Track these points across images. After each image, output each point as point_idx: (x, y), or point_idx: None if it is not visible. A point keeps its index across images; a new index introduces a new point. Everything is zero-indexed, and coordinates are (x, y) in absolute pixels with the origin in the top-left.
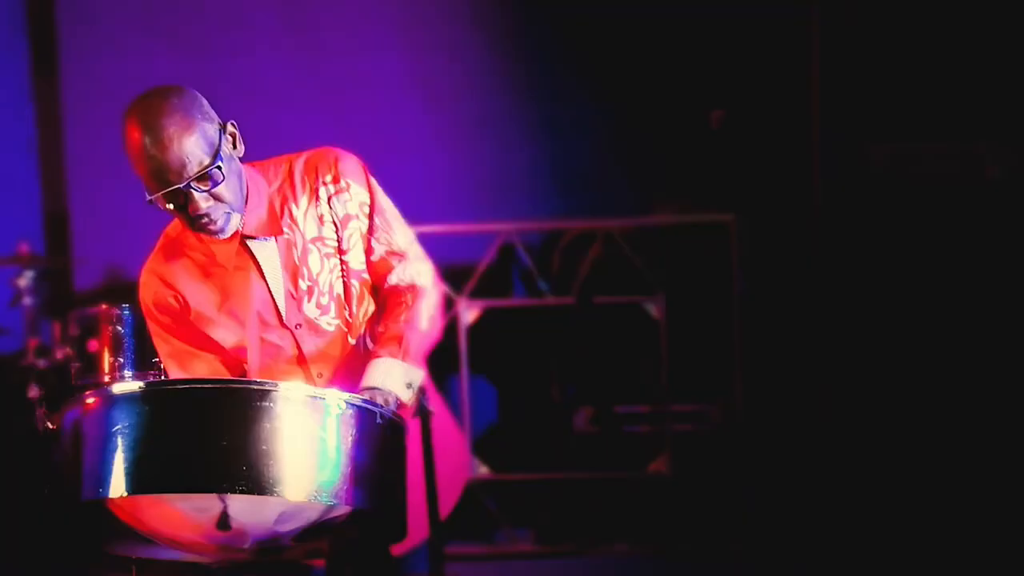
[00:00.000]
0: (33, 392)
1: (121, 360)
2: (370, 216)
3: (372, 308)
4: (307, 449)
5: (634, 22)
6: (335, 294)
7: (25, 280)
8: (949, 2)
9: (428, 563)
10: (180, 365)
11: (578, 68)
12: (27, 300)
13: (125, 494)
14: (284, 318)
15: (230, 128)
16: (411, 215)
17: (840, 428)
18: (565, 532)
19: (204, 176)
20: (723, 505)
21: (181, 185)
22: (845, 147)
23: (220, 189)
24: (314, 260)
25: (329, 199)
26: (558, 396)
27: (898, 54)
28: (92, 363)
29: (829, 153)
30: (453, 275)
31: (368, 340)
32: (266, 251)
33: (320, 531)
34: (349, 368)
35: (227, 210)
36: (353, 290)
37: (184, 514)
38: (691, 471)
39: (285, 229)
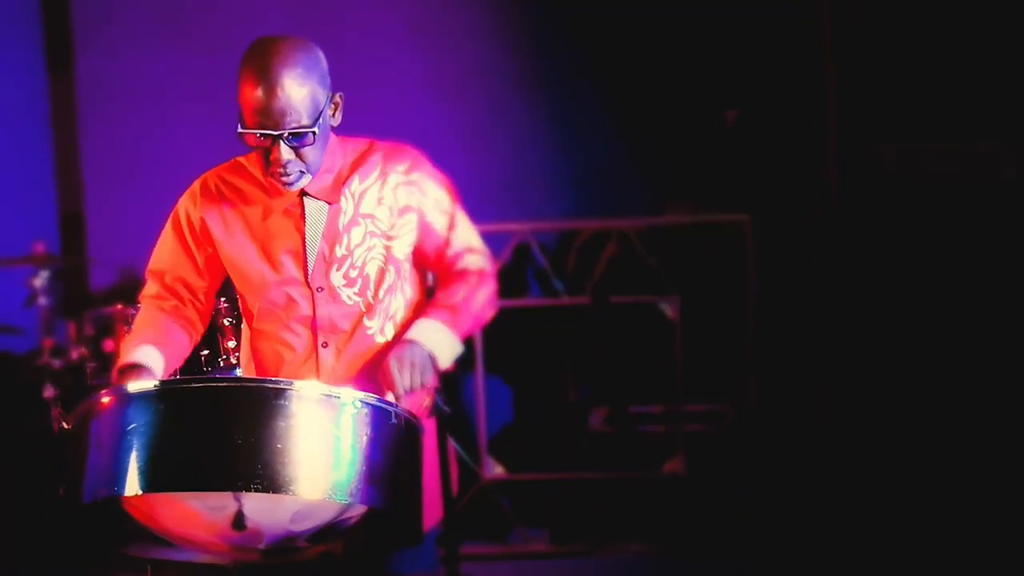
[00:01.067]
0: (48, 392)
1: None
2: (452, 215)
3: (401, 304)
4: (322, 448)
5: (648, 22)
6: (365, 272)
7: (40, 280)
8: (960, 3)
9: (443, 563)
10: (160, 284)
11: (593, 69)
12: (42, 300)
13: (140, 492)
14: (309, 276)
15: (336, 98)
16: None
17: (853, 428)
18: (579, 532)
19: (298, 134)
20: (737, 505)
21: (275, 132)
22: (857, 147)
23: (307, 150)
24: (357, 233)
25: (396, 186)
26: (573, 396)
27: (910, 55)
28: (107, 363)
29: (842, 153)
30: None
31: (384, 331)
32: (317, 211)
33: (335, 532)
34: (355, 348)
35: (303, 169)
36: (387, 276)
37: (199, 513)
38: (705, 471)
39: (341, 199)
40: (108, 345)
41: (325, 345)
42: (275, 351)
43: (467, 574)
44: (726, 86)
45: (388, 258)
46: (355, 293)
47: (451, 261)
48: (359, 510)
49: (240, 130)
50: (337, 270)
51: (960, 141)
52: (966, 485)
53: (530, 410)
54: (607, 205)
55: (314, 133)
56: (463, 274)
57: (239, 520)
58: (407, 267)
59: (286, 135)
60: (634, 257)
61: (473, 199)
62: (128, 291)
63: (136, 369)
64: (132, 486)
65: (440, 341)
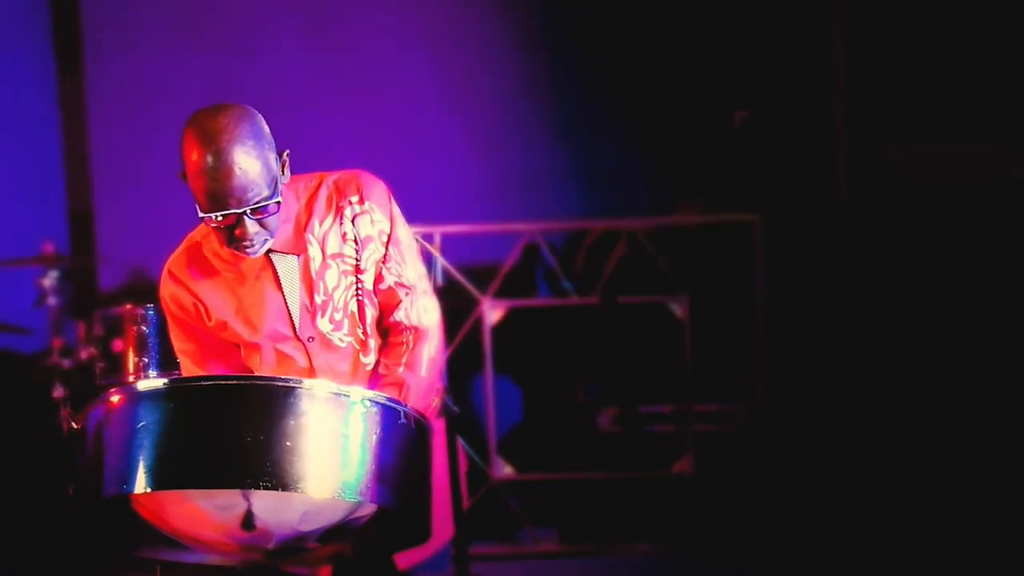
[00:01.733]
0: (58, 392)
1: (146, 359)
2: (386, 245)
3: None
4: (331, 446)
5: (657, 24)
6: (349, 311)
7: (50, 280)
8: (968, 4)
9: (453, 562)
10: (194, 362)
11: (602, 70)
12: (52, 300)
13: (149, 490)
14: (298, 330)
15: (284, 157)
16: (435, 215)
17: (861, 428)
18: (589, 532)
19: (261, 207)
20: (745, 505)
21: (238, 211)
22: (866, 148)
23: (270, 219)
24: (331, 276)
25: (354, 218)
26: (582, 396)
27: (918, 55)
28: (117, 363)
29: (850, 154)
30: (477, 275)
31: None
32: (287, 264)
33: (344, 532)
34: (359, 384)
35: (268, 236)
36: (368, 309)
37: (208, 512)
38: (714, 471)
39: (307, 246)
40: (117, 345)
41: None
42: None
43: (476, 574)
44: (735, 87)
45: (364, 292)
46: (345, 335)
47: (387, 303)
48: (368, 509)
49: (201, 215)
50: (322, 316)
51: (968, 141)
52: (974, 485)
53: (539, 410)
54: (616, 205)
55: (277, 203)
56: (397, 330)
57: (248, 520)
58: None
59: (249, 211)
60: (643, 257)
61: (482, 199)
62: (137, 291)
63: None
64: (141, 484)
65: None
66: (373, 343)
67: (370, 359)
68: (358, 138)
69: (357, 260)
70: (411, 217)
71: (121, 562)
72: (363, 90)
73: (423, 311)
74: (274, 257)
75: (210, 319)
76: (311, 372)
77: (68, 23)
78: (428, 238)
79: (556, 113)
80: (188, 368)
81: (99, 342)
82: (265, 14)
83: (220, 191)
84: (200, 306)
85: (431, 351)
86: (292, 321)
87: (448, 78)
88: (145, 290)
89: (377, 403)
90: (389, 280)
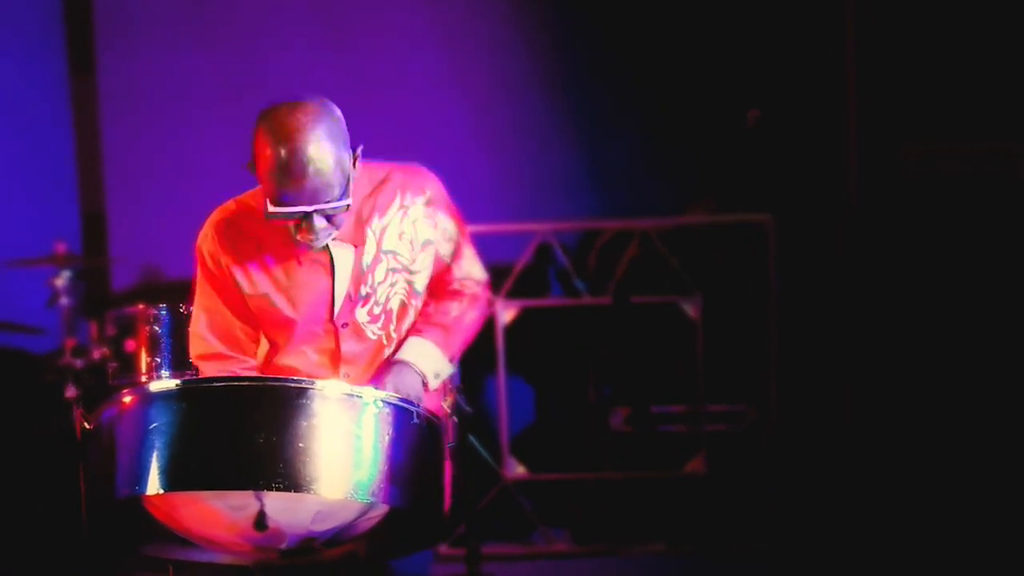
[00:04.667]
0: (70, 392)
1: (158, 360)
2: (457, 244)
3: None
4: (343, 447)
5: (670, 23)
6: (389, 308)
7: (62, 280)
8: (982, 2)
9: (465, 562)
10: (209, 322)
11: (615, 68)
12: (64, 300)
13: (161, 491)
14: (335, 315)
15: (357, 153)
16: None
17: (874, 428)
18: (601, 532)
19: (332, 208)
20: (758, 505)
21: (308, 210)
22: (879, 147)
23: (339, 217)
24: (380, 270)
25: (416, 220)
26: (594, 396)
27: (932, 55)
28: (129, 363)
29: (864, 153)
30: (490, 275)
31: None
32: (343, 254)
33: (356, 532)
34: (377, 375)
35: (333, 231)
36: (410, 310)
37: (220, 513)
38: (726, 471)
39: (365, 239)
40: (130, 345)
41: (348, 376)
42: None
43: (489, 574)
44: (747, 86)
45: (410, 293)
46: (378, 328)
47: (448, 283)
48: (381, 510)
49: (271, 209)
50: (362, 307)
51: (981, 140)
52: (989, 485)
53: (552, 410)
54: (629, 205)
55: (347, 206)
56: (457, 294)
57: (261, 520)
58: (423, 298)
59: (318, 212)
60: (656, 257)
61: (495, 199)
62: (150, 291)
63: None
64: (154, 485)
65: (431, 363)
66: (397, 339)
67: (390, 350)
68: (370, 138)
69: (411, 261)
70: None
71: (134, 561)
72: (375, 90)
73: (480, 290)
74: (333, 247)
75: (251, 285)
76: (335, 355)
77: (80, 23)
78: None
79: (569, 113)
80: (199, 327)
81: (111, 342)
82: (277, 14)
83: (292, 191)
84: (239, 271)
85: (477, 316)
86: (332, 307)
87: (460, 78)
88: (158, 290)
89: (389, 404)
90: (459, 274)
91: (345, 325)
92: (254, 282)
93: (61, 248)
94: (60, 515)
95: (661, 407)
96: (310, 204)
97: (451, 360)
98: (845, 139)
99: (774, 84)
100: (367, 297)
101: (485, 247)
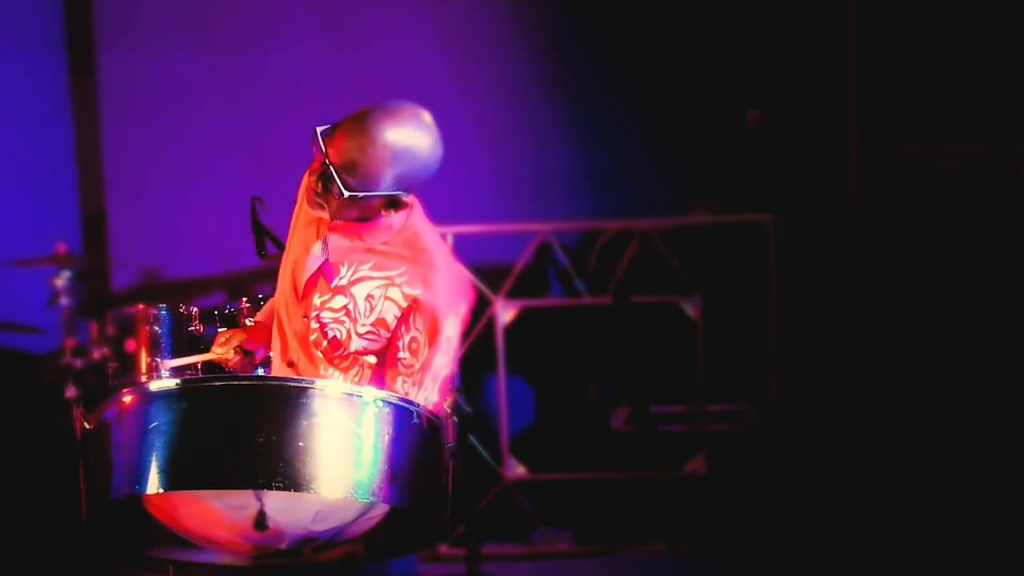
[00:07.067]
0: (70, 392)
1: (158, 359)
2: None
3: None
4: (343, 446)
5: (670, 23)
6: (356, 307)
7: (62, 280)
8: (982, 3)
9: (465, 562)
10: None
11: (615, 68)
12: (64, 300)
13: (161, 491)
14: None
15: (411, 199)
16: (448, 216)
17: (874, 427)
18: (601, 532)
19: (354, 196)
20: (758, 505)
21: (339, 180)
22: (880, 147)
23: (347, 210)
24: (358, 262)
25: (397, 299)
26: (595, 396)
27: (933, 54)
28: (129, 363)
29: (864, 153)
30: (490, 275)
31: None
32: (336, 243)
33: (356, 532)
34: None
35: (328, 216)
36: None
37: (220, 512)
38: (727, 471)
39: (341, 267)
40: (130, 345)
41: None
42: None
43: (489, 574)
44: (748, 87)
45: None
46: (343, 327)
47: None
48: (380, 510)
49: (322, 149)
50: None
51: (982, 141)
52: (990, 485)
53: (552, 410)
54: (629, 205)
55: (365, 220)
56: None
57: (261, 520)
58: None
59: (346, 189)
60: (656, 257)
61: (495, 199)
62: (150, 291)
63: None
64: (154, 485)
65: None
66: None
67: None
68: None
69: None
70: None
71: (134, 561)
72: (375, 90)
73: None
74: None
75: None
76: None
77: (80, 23)
78: (440, 238)
79: (569, 113)
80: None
81: (112, 342)
82: (277, 14)
83: (344, 153)
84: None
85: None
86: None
87: (461, 78)
88: (158, 290)
89: (390, 403)
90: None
91: (306, 317)
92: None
93: (61, 248)
94: (60, 515)
95: (661, 407)
96: (345, 173)
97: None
98: (845, 139)
99: (774, 84)
100: (339, 289)
101: (485, 247)
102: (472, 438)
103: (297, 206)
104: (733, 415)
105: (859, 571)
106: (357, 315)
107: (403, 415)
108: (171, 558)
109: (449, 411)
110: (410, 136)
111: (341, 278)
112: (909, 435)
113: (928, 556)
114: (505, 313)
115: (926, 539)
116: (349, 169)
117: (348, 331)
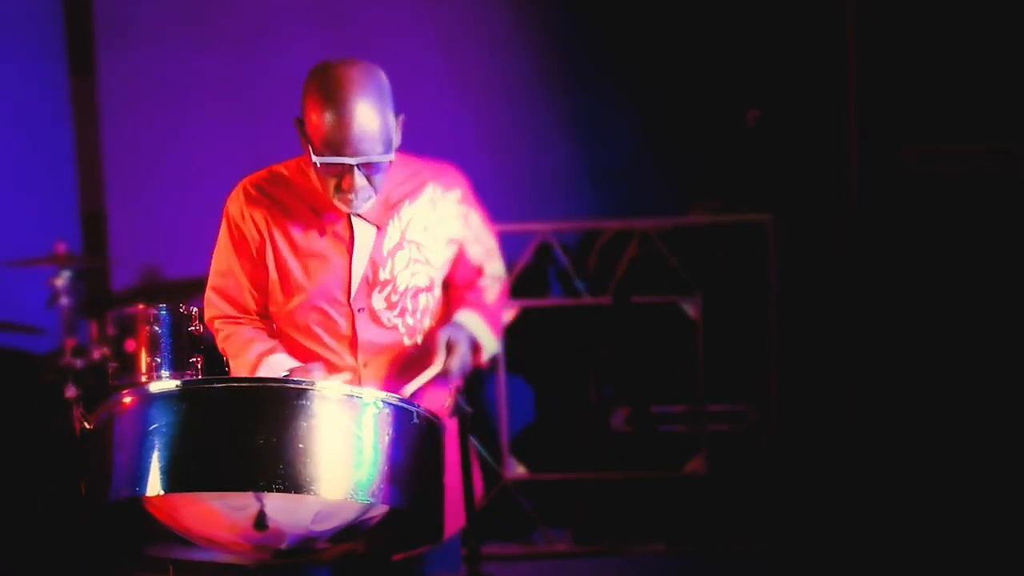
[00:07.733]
0: (70, 392)
1: (158, 360)
2: (489, 248)
3: (430, 321)
4: (344, 447)
5: (671, 23)
6: (406, 297)
7: (62, 280)
8: (983, 2)
9: (465, 562)
10: (224, 290)
11: (615, 68)
12: (64, 300)
13: (162, 493)
14: (352, 298)
15: (400, 120)
16: None
17: (874, 427)
18: (602, 532)
19: (375, 162)
20: (758, 505)
21: (352, 161)
22: (880, 146)
23: (378, 177)
24: (401, 258)
25: (445, 216)
26: (595, 396)
27: (933, 54)
28: (129, 363)
29: (864, 153)
30: None
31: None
32: (365, 233)
33: (356, 532)
34: (396, 365)
35: (371, 195)
36: (425, 300)
37: (221, 513)
38: (727, 471)
39: (389, 223)
40: (130, 345)
41: (366, 365)
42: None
43: (489, 574)
44: (748, 87)
45: (430, 284)
46: (395, 316)
47: (477, 279)
48: (380, 510)
49: (315, 158)
50: (379, 293)
51: (982, 141)
52: (990, 485)
53: (552, 410)
54: (629, 205)
55: (390, 162)
56: (487, 289)
57: (261, 520)
58: (440, 291)
59: (362, 165)
60: (656, 257)
61: (495, 199)
62: (150, 291)
63: (303, 369)
64: (154, 486)
65: (482, 334)
66: (418, 331)
67: (415, 341)
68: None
69: (434, 254)
70: None
71: (134, 561)
72: None
73: (504, 277)
74: (355, 223)
75: (274, 247)
76: (352, 342)
77: (80, 23)
78: None
79: (569, 113)
80: (210, 294)
81: (112, 342)
82: (278, 14)
83: (338, 138)
84: (263, 230)
85: (505, 302)
86: (350, 288)
87: (461, 77)
88: (158, 290)
89: (390, 404)
90: (490, 272)
91: (361, 310)
92: (276, 243)
93: (61, 248)
94: (60, 515)
95: (661, 407)
96: (354, 155)
97: (495, 339)
98: (845, 139)
99: (774, 84)
100: (385, 283)
101: None
102: (472, 438)
103: (227, 236)
104: (733, 415)
105: (859, 571)
106: (428, 256)
107: (403, 416)
108: (171, 557)
109: (449, 411)
110: (366, 81)
111: (388, 245)
112: (909, 435)
113: (928, 556)
114: (505, 313)
115: (926, 539)
116: (370, 144)
117: (430, 277)
